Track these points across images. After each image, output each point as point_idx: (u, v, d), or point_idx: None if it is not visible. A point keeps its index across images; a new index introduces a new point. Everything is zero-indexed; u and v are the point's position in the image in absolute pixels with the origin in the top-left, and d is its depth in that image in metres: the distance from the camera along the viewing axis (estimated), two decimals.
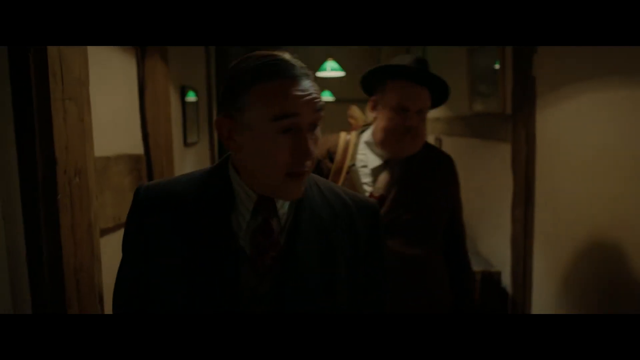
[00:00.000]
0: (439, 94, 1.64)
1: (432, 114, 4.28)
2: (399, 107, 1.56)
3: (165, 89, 2.46)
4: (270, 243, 0.95)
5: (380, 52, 7.78)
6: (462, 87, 3.27)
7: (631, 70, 1.59)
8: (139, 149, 2.44)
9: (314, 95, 0.88)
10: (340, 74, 5.59)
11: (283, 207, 0.97)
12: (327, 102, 8.23)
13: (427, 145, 1.72)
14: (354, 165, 1.66)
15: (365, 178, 1.64)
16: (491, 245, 2.88)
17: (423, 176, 1.65)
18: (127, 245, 0.96)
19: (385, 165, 1.64)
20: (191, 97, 2.79)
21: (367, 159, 1.66)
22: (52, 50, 1.23)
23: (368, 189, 1.63)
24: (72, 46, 1.32)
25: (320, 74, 5.51)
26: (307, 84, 0.88)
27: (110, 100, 2.09)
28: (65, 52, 1.28)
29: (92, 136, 1.42)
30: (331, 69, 5.45)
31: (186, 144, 2.71)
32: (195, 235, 0.92)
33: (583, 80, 1.89)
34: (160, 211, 0.94)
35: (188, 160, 2.73)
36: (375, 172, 1.64)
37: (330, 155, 1.70)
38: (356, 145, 1.70)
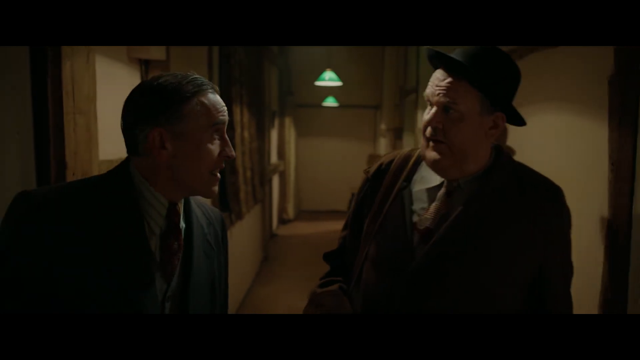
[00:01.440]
0: (496, 97, 1.15)
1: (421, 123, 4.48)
2: (427, 102, 1.19)
3: None
4: (179, 245, 1.02)
5: (384, 62, 8.02)
6: None
7: (574, 99, 1.82)
8: None
9: (225, 106, 1.03)
10: (337, 83, 5.84)
11: (181, 212, 1.05)
12: (331, 108, 8.53)
13: (518, 166, 1.24)
14: (407, 186, 1.25)
15: (420, 203, 1.22)
16: None
17: (497, 212, 1.15)
18: (17, 254, 0.89)
19: (440, 187, 1.21)
20: None
21: (424, 179, 1.25)
22: (66, 72, 1.49)
23: (416, 219, 1.21)
24: (82, 67, 1.57)
25: (319, 83, 5.77)
26: (220, 98, 1.02)
27: (117, 110, 2.34)
28: (76, 74, 1.53)
29: (98, 143, 1.67)
30: (329, 79, 5.70)
31: None
32: (108, 244, 0.92)
33: (536, 104, 2.12)
34: (59, 219, 0.91)
35: None
36: (432, 196, 1.22)
37: (380, 173, 1.32)
38: (417, 162, 1.28)
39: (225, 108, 1.03)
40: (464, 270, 1.13)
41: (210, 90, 1.00)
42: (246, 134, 4.41)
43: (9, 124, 1.37)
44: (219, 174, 1.03)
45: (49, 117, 1.41)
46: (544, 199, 1.17)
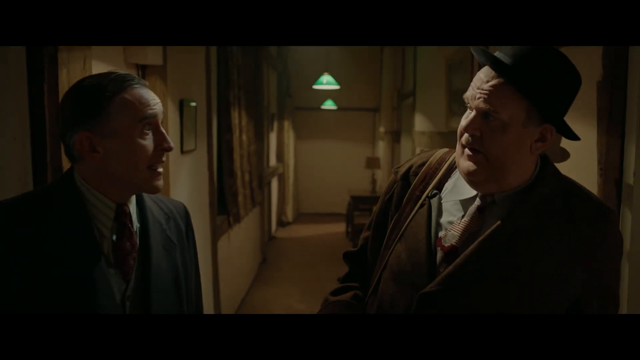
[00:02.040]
0: (545, 107, 0.99)
1: (419, 127, 4.52)
2: (467, 105, 1.05)
3: (163, 103, 2.72)
4: (132, 245, 1.02)
5: (382, 65, 8.05)
6: (442, 106, 3.52)
7: None
8: None
9: (158, 99, 1.03)
10: (335, 87, 5.88)
11: (133, 212, 1.05)
12: (329, 110, 8.57)
13: (565, 182, 1.08)
14: (436, 194, 1.12)
15: (448, 216, 1.09)
16: None
17: (535, 235, 1.00)
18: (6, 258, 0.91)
19: (473, 200, 1.08)
20: (192, 103, 3.02)
21: (456, 188, 1.11)
22: (63, 78, 1.51)
23: (442, 234, 1.08)
24: (79, 73, 1.59)
25: (317, 86, 5.81)
26: (149, 91, 1.02)
27: None
28: (73, 80, 1.55)
29: None
30: (327, 83, 5.74)
31: (183, 151, 2.96)
32: (60, 251, 0.93)
33: None
34: (13, 231, 0.92)
35: (184, 167, 2.98)
36: (463, 210, 1.09)
37: (409, 175, 1.19)
38: (451, 168, 1.15)
39: (156, 101, 1.01)
40: (489, 298, 1.00)
41: (135, 85, 0.99)
42: (244, 137, 4.44)
43: (6, 129, 1.39)
44: (160, 169, 1.02)
45: (45, 122, 1.43)
46: (592, 223, 1.02)
